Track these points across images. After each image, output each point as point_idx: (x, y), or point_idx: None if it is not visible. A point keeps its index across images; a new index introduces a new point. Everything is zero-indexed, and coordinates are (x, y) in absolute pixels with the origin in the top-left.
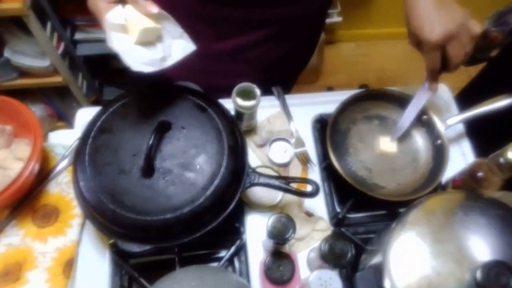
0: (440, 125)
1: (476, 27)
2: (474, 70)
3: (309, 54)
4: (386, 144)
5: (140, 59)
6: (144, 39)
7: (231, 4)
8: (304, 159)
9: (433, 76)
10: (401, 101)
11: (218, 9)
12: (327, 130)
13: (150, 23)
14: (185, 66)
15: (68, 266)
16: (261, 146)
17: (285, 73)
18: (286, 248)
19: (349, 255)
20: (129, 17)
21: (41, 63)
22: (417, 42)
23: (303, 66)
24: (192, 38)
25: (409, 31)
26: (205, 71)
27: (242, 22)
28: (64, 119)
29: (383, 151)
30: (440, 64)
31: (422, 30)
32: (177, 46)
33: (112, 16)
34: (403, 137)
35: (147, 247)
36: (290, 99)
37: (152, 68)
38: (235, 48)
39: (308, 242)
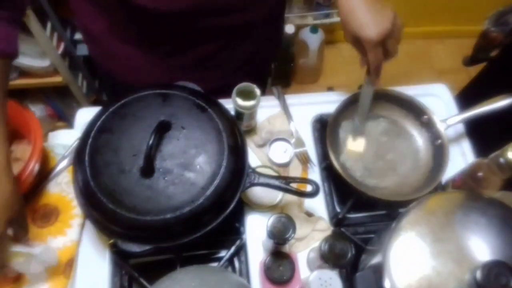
0: (440, 125)
1: (400, 21)
2: (474, 70)
3: (272, 54)
4: (352, 144)
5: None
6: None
7: (179, 16)
8: (304, 159)
9: (378, 71)
10: (401, 101)
11: (168, 24)
12: (327, 130)
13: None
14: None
15: (68, 266)
16: (261, 146)
17: (254, 73)
18: (286, 248)
19: (349, 255)
20: None
21: (41, 63)
22: (356, 41)
23: (269, 64)
24: (151, 51)
25: (347, 31)
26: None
27: (196, 33)
28: (64, 119)
29: (350, 151)
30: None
31: (363, 31)
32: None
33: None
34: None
35: (147, 247)
36: (290, 99)
37: None
38: (195, 59)
39: (308, 242)
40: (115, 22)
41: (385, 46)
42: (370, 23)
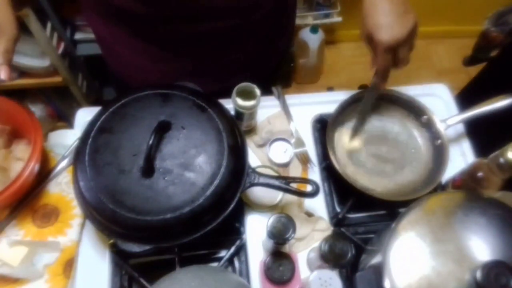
0: (440, 125)
1: (418, 30)
2: (474, 70)
3: (279, 55)
4: (347, 143)
5: None
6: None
7: (161, 20)
8: (304, 159)
9: (384, 75)
10: (401, 101)
11: (163, 30)
12: (327, 130)
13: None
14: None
15: (68, 266)
16: (261, 146)
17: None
18: (286, 248)
19: (349, 255)
20: None
21: (41, 63)
22: (370, 40)
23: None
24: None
25: (365, 29)
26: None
27: (190, 39)
28: (64, 119)
29: (348, 149)
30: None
31: (378, 33)
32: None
33: None
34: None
35: (147, 247)
36: (290, 99)
37: None
38: (194, 63)
39: (308, 242)
40: (119, 29)
41: (397, 53)
42: (387, 26)
